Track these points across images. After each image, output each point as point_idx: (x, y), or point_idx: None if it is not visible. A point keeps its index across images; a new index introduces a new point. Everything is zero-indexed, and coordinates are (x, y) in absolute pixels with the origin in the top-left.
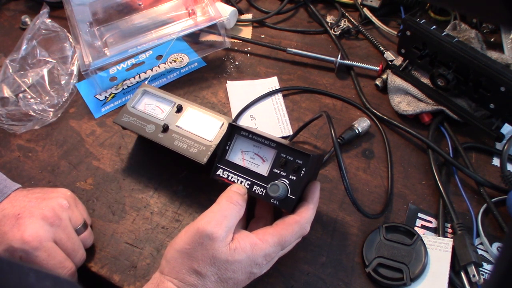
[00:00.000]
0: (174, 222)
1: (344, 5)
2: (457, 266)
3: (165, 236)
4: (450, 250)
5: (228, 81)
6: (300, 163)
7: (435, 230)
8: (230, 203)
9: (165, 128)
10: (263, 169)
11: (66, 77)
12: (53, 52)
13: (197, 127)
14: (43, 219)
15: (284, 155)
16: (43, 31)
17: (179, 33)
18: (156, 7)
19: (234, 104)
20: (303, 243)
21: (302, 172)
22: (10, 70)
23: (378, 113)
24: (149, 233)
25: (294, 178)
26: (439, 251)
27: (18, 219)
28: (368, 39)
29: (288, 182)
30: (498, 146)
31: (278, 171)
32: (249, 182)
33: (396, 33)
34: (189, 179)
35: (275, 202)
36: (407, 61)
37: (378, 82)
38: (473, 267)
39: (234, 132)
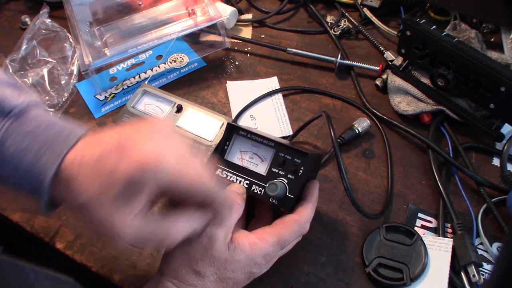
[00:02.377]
0: None
1: (344, 5)
2: (457, 266)
3: None
4: (450, 250)
5: (228, 81)
6: (298, 162)
7: (435, 230)
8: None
9: None
10: (262, 168)
11: (66, 77)
12: (53, 52)
13: (197, 127)
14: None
15: (283, 154)
16: (43, 31)
17: (179, 33)
18: (156, 7)
19: (234, 104)
20: (303, 243)
21: (301, 171)
22: (10, 70)
23: (378, 113)
24: None
25: (293, 177)
26: (439, 251)
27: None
28: (368, 39)
29: (286, 181)
30: (498, 146)
31: (277, 170)
32: (248, 182)
33: (396, 33)
34: None
35: (273, 201)
36: (407, 61)
37: (378, 82)
38: (473, 267)
39: (232, 131)
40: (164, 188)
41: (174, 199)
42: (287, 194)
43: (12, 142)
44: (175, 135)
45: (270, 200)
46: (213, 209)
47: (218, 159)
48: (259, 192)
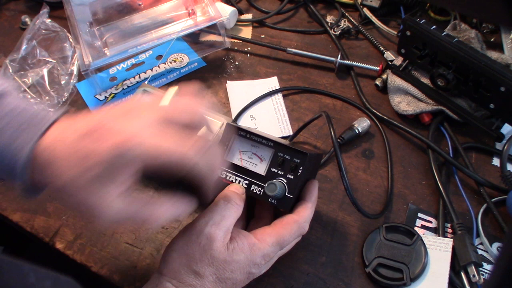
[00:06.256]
0: (174, 222)
1: (344, 5)
2: (457, 266)
3: (165, 236)
4: (450, 250)
5: (228, 81)
6: (297, 162)
7: (435, 230)
8: (228, 203)
9: None
10: (261, 168)
11: (66, 77)
12: (53, 52)
13: None
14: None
15: (282, 154)
16: (43, 31)
17: (179, 33)
18: (156, 7)
19: (234, 104)
20: (303, 243)
21: (300, 171)
22: (10, 70)
23: (378, 113)
24: (149, 233)
25: (292, 177)
26: (439, 251)
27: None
28: (368, 39)
29: (285, 181)
30: (498, 146)
31: (276, 170)
32: (247, 182)
33: (396, 33)
34: None
35: (273, 201)
36: (407, 61)
37: (378, 82)
38: (473, 267)
39: (232, 132)
40: (144, 166)
41: (163, 178)
42: (286, 194)
43: None
44: (149, 109)
45: (269, 200)
46: (203, 197)
47: None
48: (258, 192)
